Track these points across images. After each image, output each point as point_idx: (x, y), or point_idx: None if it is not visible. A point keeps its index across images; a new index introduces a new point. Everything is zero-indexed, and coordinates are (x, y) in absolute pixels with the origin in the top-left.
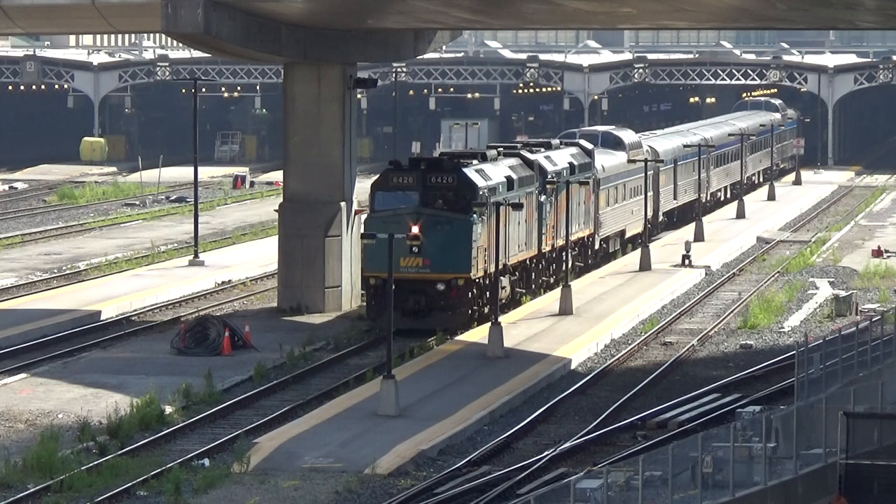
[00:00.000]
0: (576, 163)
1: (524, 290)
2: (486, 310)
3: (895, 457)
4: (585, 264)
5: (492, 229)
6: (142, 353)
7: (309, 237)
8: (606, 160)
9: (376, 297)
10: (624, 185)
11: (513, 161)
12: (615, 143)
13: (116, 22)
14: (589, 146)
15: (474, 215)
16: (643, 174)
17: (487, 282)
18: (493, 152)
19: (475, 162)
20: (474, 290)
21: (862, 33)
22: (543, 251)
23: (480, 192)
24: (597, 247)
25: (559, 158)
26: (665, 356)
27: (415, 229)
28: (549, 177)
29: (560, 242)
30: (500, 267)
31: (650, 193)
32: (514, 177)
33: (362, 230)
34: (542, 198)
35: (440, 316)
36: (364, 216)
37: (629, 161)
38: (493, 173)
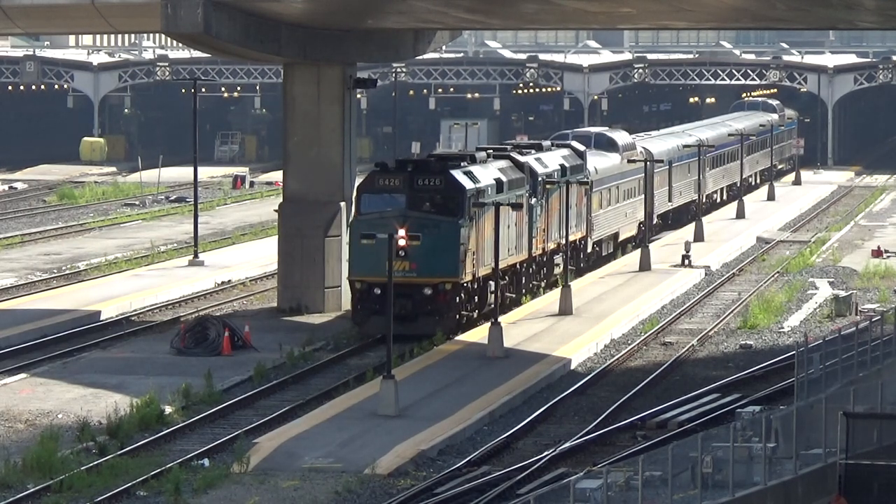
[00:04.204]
0: (567, 165)
1: (514, 295)
2: (476, 314)
3: (895, 457)
4: (578, 267)
5: (480, 232)
6: (141, 353)
7: (309, 237)
8: (599, 162)
9: (362, 302)
10: (617, 188)
11: (502, 163)
12: (608, 145)
13: (116, 22)
14: (581, 148)
15: (462, 218)
16: (637, 176)
17: (476, 286)
18: (483, 154)
19: (464, 164)
20: (462, 295)
21: (862, 33)
22: (534, 255)
23: (469, 195)
24: (589, 250)
25: (550, 160)
26: (665, 356)
27: (401, 232)
28: (540, 179)
29: (551, 246)
30: (492, 271)
31: (644, 195)
32: (504, 179)
33: (349, 233)
34: (533, 200)
35: (427, 321)
36: None
37: (626, 162)
38: (481, 175)
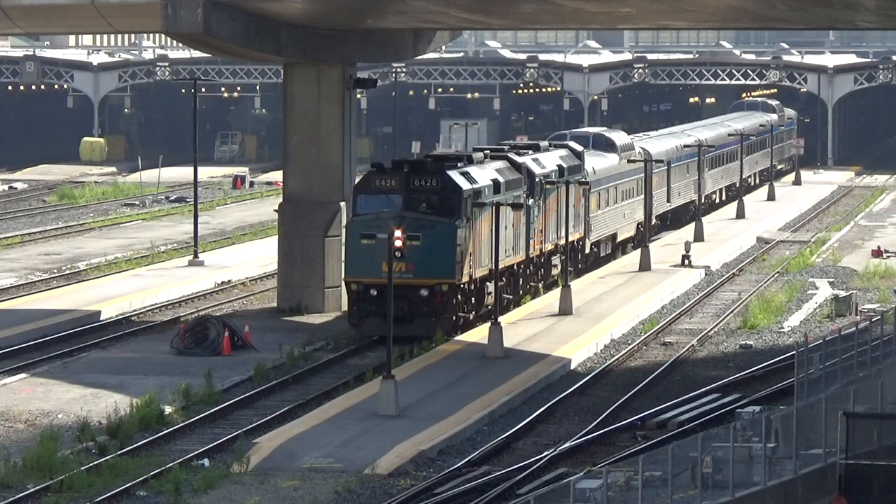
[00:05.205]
0: (565, 165)
1: (511, 296)
2: (472, 316)
3: (895, 457)
4: (576, 269)
5: (477, 233)
6: (141, 353)
7: (309, 237)
8: (597, 162)
9: (358, 303)
10: (615, 188)
11: (500, 164)
12: (606, 145)
13: (116, 22)
14: (579, 148)
15: (459, 219)
16: (635, 176)
17: (473, 287)
18: (480, 155)
19: (460, 164)
20: (459, 296)
21: (862, 33)
22: (531, 256)
23: (465, 196)
24: (587, 251)
25: (548, 161)
26: (665, 356)
27: (397, 233)
28: (537, 180)
29: (549, 247)
30: (489, 272)
31: (644, 195)
32: (501, 180)
33: (343, 235)
34: (530, 201)
35: (424, 322)
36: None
37: (624, 163)
38: (478, 176)
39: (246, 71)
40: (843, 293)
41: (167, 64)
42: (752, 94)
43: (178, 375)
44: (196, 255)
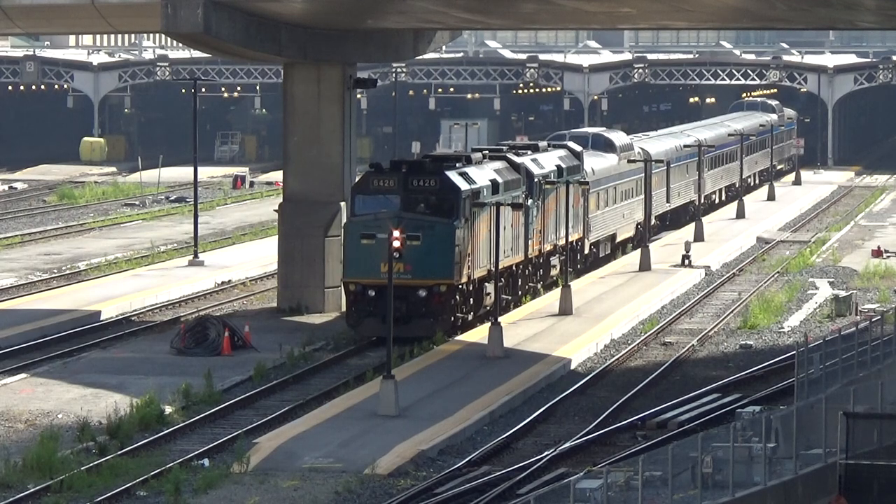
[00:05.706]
0: (564, 165)
1: (510, 297)
2: (471, 316)
3: (895, 457)
4: (575, 269)
5: (475, 234)
6: (142, 353)
7: (309, 237)
8: (596, 163)
9: (356, 304)
10: (615, 188)
11: (498, 164)
12: (606, 145)
13: (116, 22)
14: (578, 148)
15: (457, 220)
16: (635, 177)
17: (471, 288)
18: (479, 155)
19: (459, 165)
20: (457, 297)
21: (862, 33)
22: (530, 256)
23: (464, 196)
24: (586, 251)
25: (547, 161)
26: (665, 356)
27: (395, 234)
28: (536, 180)
29: (548, 247)
30: (487, 273)
31: (644, 195)
32: (500, 180)
33: (343, 235)
34: (529, 201)
35: (422, 323)
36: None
37: (623, 163)
38: (477, 176)
39: (246, 71)
40: (843, 293)
41: (167, 64)
42: (752, 94)
43: (178, 375)
44: (196, 255)
